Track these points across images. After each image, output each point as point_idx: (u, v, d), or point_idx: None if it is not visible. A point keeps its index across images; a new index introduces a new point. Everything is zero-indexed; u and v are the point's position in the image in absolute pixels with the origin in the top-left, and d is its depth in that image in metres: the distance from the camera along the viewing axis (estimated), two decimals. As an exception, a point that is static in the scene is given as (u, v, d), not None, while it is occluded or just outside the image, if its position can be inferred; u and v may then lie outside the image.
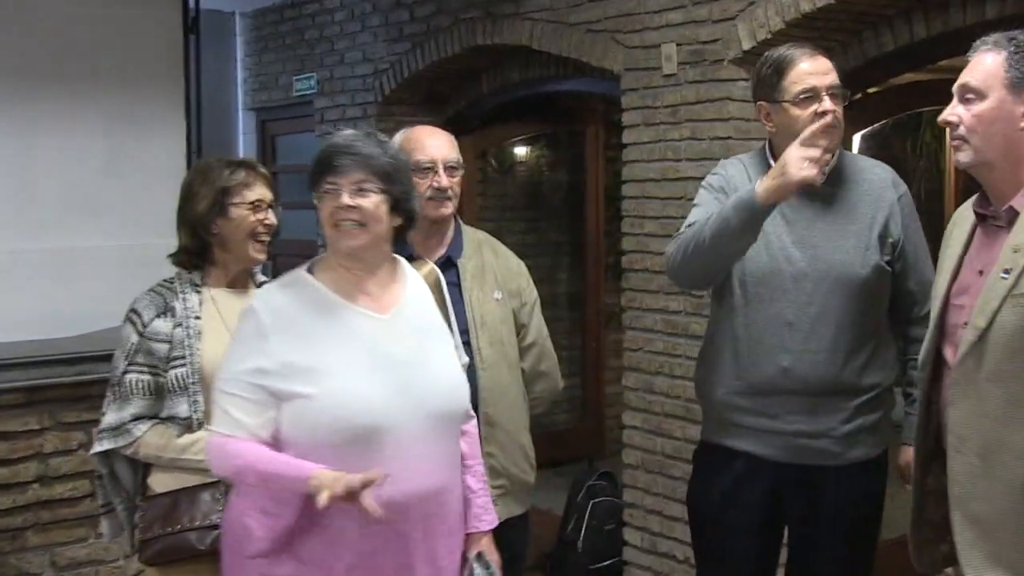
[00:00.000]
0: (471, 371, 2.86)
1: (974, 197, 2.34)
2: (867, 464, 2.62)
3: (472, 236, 3.04)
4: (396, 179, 2.19)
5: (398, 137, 2.98)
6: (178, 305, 2.61)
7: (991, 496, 2.10)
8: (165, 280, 2.69)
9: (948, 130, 2.26)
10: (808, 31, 3.62)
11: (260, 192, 2.66)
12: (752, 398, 2.66)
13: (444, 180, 2.87)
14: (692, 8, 3.96)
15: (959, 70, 2.29)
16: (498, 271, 3.00)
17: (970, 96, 2.18)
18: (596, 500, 4.76)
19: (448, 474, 2.25)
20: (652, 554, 4.25)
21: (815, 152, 2.38)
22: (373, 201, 2.15)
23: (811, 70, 2.58)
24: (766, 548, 2.78)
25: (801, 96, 2.57)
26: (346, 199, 2.14)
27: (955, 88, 2.22)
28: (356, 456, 2.06)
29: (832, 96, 2.57)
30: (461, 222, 3.05)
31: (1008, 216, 2.18)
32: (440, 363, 2.27)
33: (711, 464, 2.79)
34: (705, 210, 2.62)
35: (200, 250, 2.67)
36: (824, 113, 2.52)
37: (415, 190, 2.28)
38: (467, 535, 2.37)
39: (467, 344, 2.87)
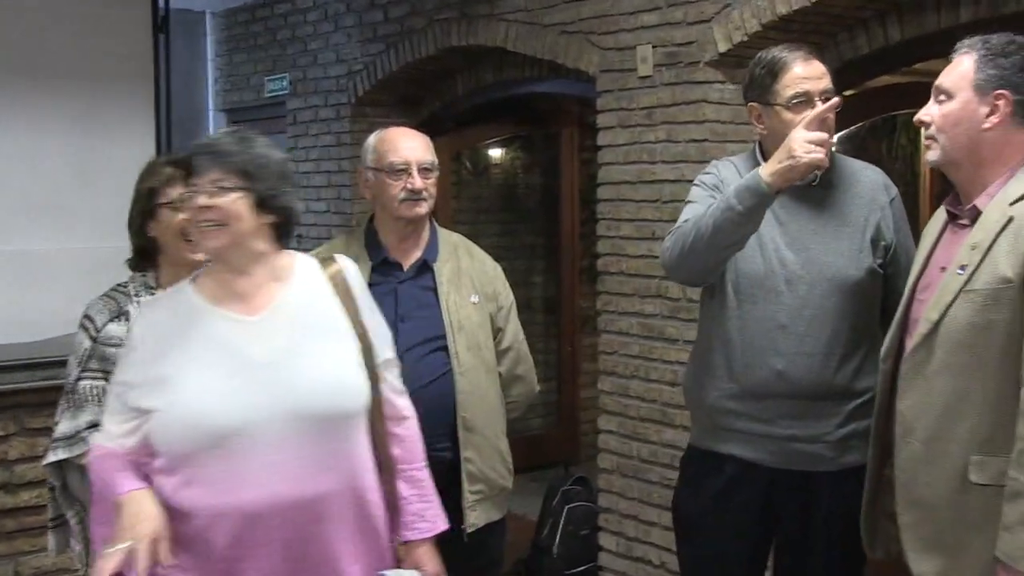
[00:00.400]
0: (448, 375, 2.84)
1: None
2: (860, 469, 2.59)
3: (448, 239, 3.02)
4: (259, 176, 2.13)
5: (372, 139, 2.95)
6: (132, 309, 2.56)
7: (932, 482, 2.18)
8: (119, 284, 2.65)
9: (922, 130, 2.30)
10: (784, 33, 3.61)
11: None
12: (745, 402, 2.64)
13: (418, 182, 2.84)
14: (667, 10, 3.94)
15: (934, 73, 2.32)
16: (474, 274, 2.98)
17: (942, 97, 2.25)
18: (571, 505, 4.74)
19: (336, 478, 2.13)
20: (627, 559, 4.23)
21: (821, 135, 2.38)
22: (230, 199, 2.10)
23: (805, 74, 2.57)
24: (756, 554, 2.76)
25: (794, 100, 2.56)
26: (202, 199, 2.10)
27: (936, 87, 2.28)
28: (214, 462, 2.05)
29: (826, 101, 2.55)
30: (437, 225, 3.02)
31: (971, 215, 2.24)
32: (319, 364, 2.16)
33: (701, 469, 2.75)
34: (701, 207, 2.59)
35: (146, 252, 2.63)
36: (827, 99, 2.51)
37: (290, 187, 2.22)
38: (404, 543, 2.30)
39: (444, 348, 2.85)
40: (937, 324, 2.17)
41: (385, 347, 2.33)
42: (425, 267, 2.92)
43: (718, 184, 2.68)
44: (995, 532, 2.08)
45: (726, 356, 2.67)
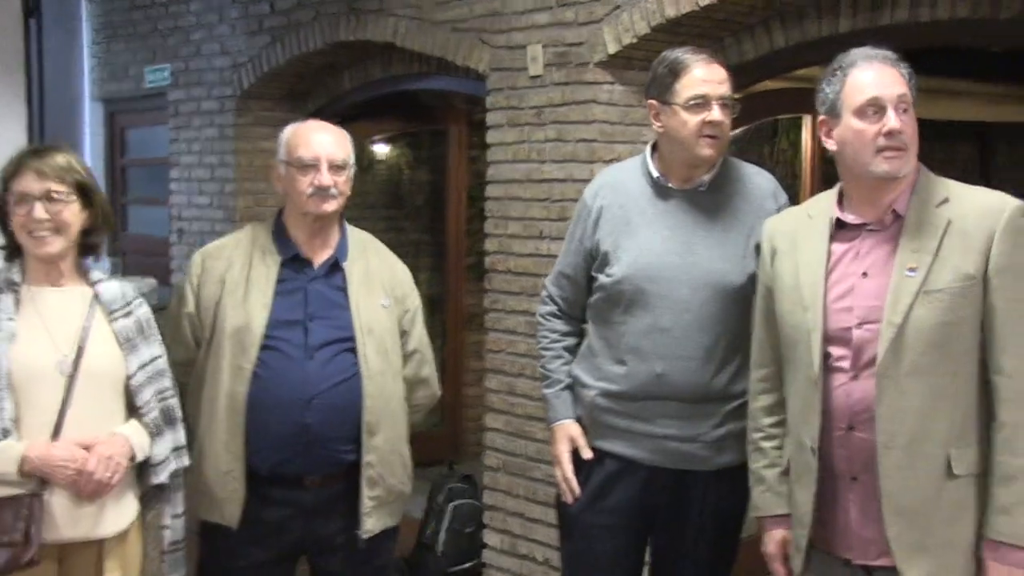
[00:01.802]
0: (356, 378, 2.79)
1: (819, 207, 2.40)
2: (734, 470, 2.65)
3: (356, 237, 2.97)
4: None
5: (286, 131, 2.89)
6: None
7: (917, 485, 2.21)
8: None
9: (885, 138, 2.23)
10: (672, 36, 3.66)
11: (25, 185, 2.46)
12: (626, 402, 2.67)
13: (325, 179, 2.78)
14: (558, 10, 3.96)
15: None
16: (384, 276, 2.94)
17: (905, 107, 2.26)
18: (456, 503, 4.73)
19: None
20: (512, 556, 4.24)
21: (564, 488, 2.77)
22: None
23: (705, 77, 2.60)
24: (633, 551, 2.79)
25: (692, 102, 2.59)
26: None
27: (892, 98, 2.24)
28: None
29: (722, 106, 2.60)
30: (347, 223, 2.96)
31: (893, 218, 2.28)
32: None
33: (580, 466, 2.77)
34: (564, 261, 2.85)
35: (11, 245, 2.52)
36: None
37: None
38: None
39: (353, 351, 2.81)
40: (901, 327, 2.19)
41: None
42: (336, 267, 2.87)
43: (584, 232, 2.76)
44: (971, 521, 2.18)
45: (608, 357, 2.70)
